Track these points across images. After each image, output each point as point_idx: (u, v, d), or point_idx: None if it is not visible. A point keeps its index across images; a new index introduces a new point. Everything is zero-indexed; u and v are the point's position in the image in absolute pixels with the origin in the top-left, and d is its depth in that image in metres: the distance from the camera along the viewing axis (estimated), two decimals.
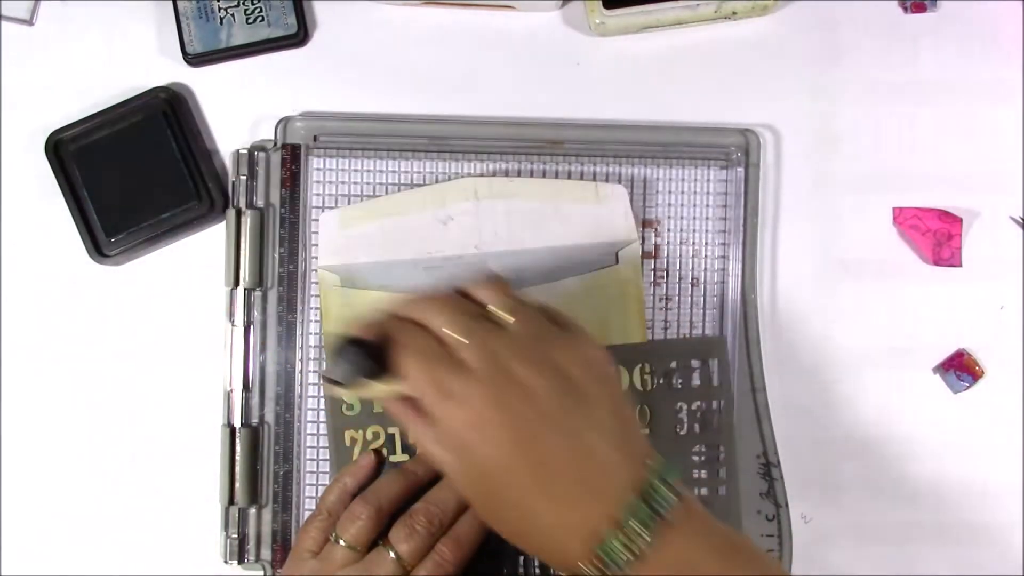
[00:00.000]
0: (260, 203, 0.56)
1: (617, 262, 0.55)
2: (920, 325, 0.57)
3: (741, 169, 0.56)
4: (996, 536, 0.56)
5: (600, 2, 0.55)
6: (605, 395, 0.42)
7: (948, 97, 0.57)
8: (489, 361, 0.42)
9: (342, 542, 0.47)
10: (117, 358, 0.56)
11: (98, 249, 0.55)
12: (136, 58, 0.57)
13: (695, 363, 0.55)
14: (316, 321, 0.55)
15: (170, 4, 0.56)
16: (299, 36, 0.56)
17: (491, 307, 0.44)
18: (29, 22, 0.57)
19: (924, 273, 0.57)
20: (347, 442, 0.55)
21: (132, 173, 0.55)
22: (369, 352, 0.43)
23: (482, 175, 0.56)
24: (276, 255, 0.55)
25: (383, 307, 0.45)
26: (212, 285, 0.56)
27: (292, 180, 0.56)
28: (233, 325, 0.55)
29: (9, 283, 0.56)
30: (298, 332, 0.55)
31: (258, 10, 0.56)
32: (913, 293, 0.57)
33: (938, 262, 0.56)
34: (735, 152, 0.56)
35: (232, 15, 0.56)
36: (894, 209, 0.57)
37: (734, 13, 0.56)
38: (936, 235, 0.56)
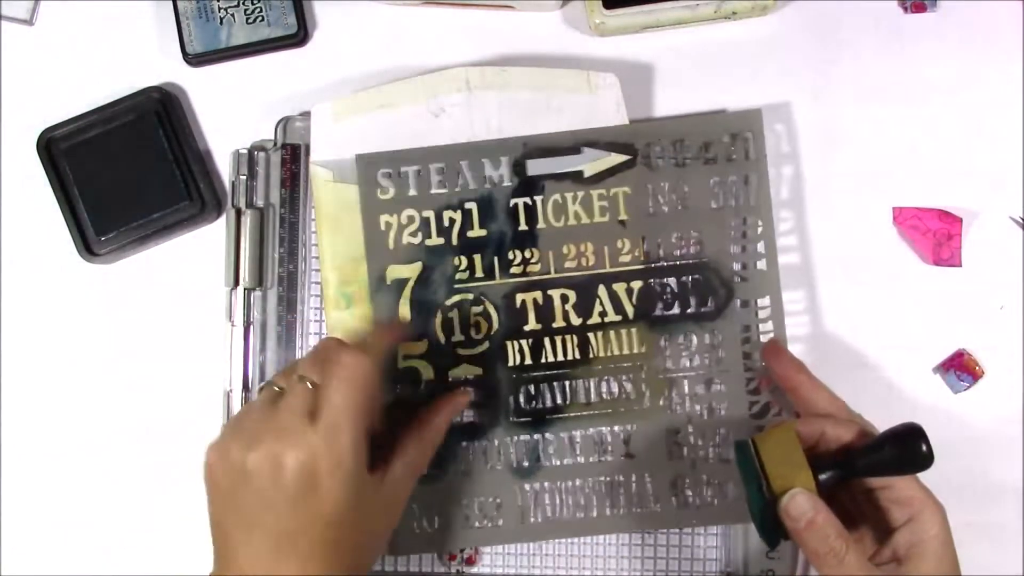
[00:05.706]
0: (260, 203, 0.56)
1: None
2: (920, 325, 0.57)
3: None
4: (996, 536, 0.56)
5: (600, 2, 0.55)
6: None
7: (948, 97, 0.57)
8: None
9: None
10: (110, 357, 0.57)
11: (88, 247, 0.55)
12: (136, 58, 0.57)
13: (727, 138, 0.55)
14: (316, 321, 0.55)
15: (170, 4, 0.56)
16: (299, 36, 0.56)
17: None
18: (29, 22, 0.57)
19: (924, 273, 0.57)
20: (382, 226, 0.54)
21: (123, 172, 0.55)
22: None
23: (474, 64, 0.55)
24: (276, 255, 0.55)
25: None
26: (204, 284, 0.56)
27: (292, 180, 0.56)
28: (233, 325, 0.55)
29: None
30: (298, 332, 0.55)
31: (258, 10, 0.56)
32: (913, 293, 0.57)
33: (938, 262, 0.56)
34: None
35: (232, 15, 0.56)
36: (894, 209, 0.57)
37: (734, 13, 0.56)
38: (936, 235, 0.56)
